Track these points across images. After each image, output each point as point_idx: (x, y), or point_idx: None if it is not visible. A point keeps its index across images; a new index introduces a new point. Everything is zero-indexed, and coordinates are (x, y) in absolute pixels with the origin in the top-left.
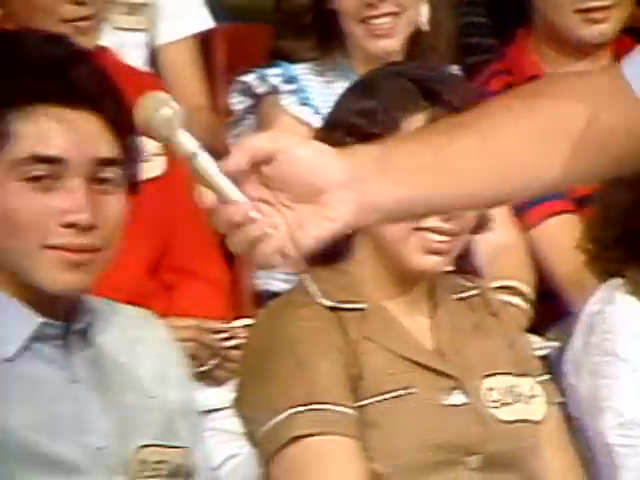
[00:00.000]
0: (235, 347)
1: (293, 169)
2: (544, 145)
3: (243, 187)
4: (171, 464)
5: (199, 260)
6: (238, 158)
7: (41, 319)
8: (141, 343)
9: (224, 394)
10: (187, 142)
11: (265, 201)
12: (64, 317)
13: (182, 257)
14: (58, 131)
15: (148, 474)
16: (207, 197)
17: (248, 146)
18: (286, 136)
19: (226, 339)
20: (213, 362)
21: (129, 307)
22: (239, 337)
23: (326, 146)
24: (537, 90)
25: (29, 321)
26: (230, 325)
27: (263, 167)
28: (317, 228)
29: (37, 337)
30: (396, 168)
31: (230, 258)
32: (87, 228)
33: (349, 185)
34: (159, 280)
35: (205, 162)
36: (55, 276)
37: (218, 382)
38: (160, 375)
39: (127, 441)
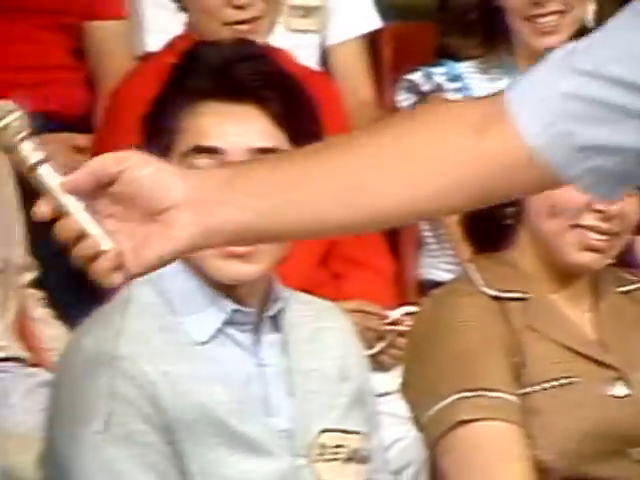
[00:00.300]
0: (400, 334)
1: (135, 188)
2: (391, 171)
3: (90, 203)
4: (349, 449)
5: (366, 250)
6: (79, 177)
7: (233, 306)
8: (325, 332)
9: (392, 379)
10: (29, 153)
11: (115, 217)
12: (256, 304)
13: (350, 247)
14: (216, 124)
15: (327, 457)
16: (40, 207)
17: (92, 166)
18: (131, 156)
19: (390, 324)
20: (380, 345)
21: (313, 297)
22: (404, 324)
23: (171, 166)
24: (401, 118)
25: (222, 308)
26: (395, 312)
27: (111, 186)
28: (159, 247)
29: (229, 323)
30: (240, 191)
31: (395, 248)
32: None
33: (191, 206)
34: (328, 269)
35: (47, 175)
36: (221, 265)
37: (384, 368)
38: (341, 363)
39: (309, 425)
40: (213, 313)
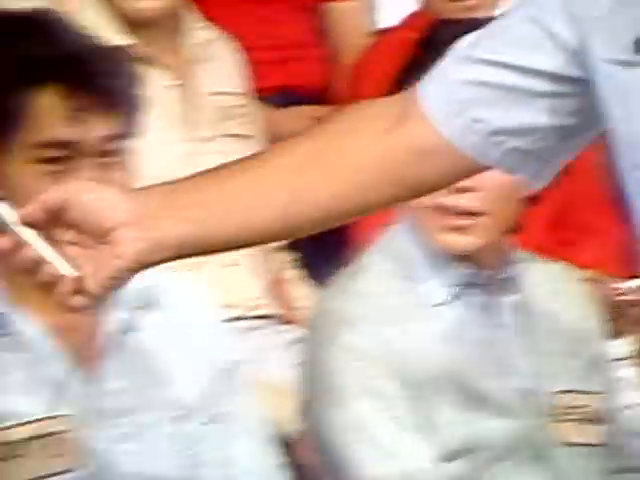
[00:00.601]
0: (632, 304)
1: (81, 214)
2: (317, 176)
3: (48, 233)
4: (588, 409)
5: (598, 218)
6: (33, 210)
7: (469, 269)
8: (562, 295)
9: (623, 345)
10: None
11: (76, 244)
12: (492, 267)
13: (582, 214)
14: None
15: (566, 417)
16: (1, 241)
17: (43, 199)
18: (76, 185)
19: (620, 295)
20: (611, 313)
21: (550, 261)
22: (634, 295)
23: (114, 189)
24: (327, 123)
25: (458, 271)
26: (629, 283)
27: (64, 215)
28: (110, 267)
29: (465, 285)
30: (179, 204)
31: (627, 217)
32: (464, 190)
33: (136, 223)
34: (559, 236)
35: (3, 211)
36: (444, 238)
37: (614, 335)
38: (578, 326)
39: (547, 385)
40: (449, 276)
